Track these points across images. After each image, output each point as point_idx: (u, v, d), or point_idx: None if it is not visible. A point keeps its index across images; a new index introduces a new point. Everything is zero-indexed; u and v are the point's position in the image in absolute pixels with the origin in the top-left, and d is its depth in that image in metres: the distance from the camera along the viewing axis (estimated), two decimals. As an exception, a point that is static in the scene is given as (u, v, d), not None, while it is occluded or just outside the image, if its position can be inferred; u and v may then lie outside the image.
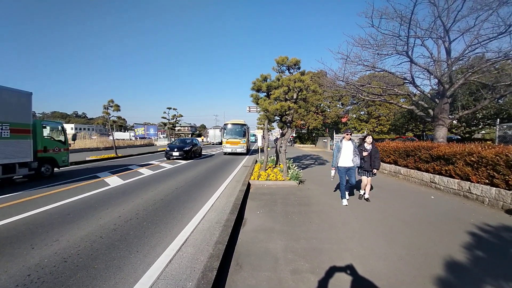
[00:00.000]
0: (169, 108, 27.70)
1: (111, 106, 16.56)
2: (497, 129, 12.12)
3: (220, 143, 36.02)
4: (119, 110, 16.93)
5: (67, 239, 3.75)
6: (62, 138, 9.77)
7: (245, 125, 20.82)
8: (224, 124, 20.93)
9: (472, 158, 6.27)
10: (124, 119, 19.63)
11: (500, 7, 7.98)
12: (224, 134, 20.11)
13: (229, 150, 19.40)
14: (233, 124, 20.45)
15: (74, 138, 12.38)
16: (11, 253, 3.30)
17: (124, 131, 71.24)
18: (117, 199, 6.01)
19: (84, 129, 72.62)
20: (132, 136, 60.80)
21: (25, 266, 2.99)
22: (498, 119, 14.01)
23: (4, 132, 6.92)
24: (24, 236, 3.84)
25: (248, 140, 22.51)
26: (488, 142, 10.07)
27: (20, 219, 4.57)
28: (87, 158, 14.55)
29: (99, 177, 8.85)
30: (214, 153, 21.84)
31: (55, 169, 9.46)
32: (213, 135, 45.10)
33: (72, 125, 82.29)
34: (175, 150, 15.19)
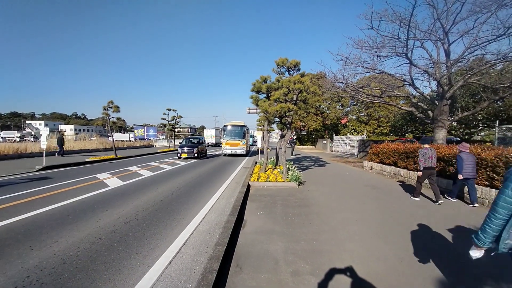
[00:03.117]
0: (169, 110, 27.63)
1: (111, 107, 16.53)
2: (497, 131, 12.16)
3: (216, 144, 35.65)
4: (119, 111, 16.90)
5: (66, 240, 3.74)
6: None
7: (244, 126, 20.73)
8: (224, 126, 20.85)
9: (472, 160, 6.28)
10: (123, 120, 19.64)
11: (499, 10, 8.01)
12: (224, 136, 20.02)
13: (228, 152, 19.32)
14: (232, 125, 20.36)
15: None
16: (10, 254, 3.28)
17: (124, 132, 71.29)
18: (116, 201, 6.00)
19: (84, 130, 72.49)
20: (132, 137, 60.82)
21: (24, 267, 2.97)
22: (498, 121, 14.06)
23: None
24: (23, 237, 3.83)
25: (247, 142, 22.48)
26: (487, 143, 10.09)
27: (19, 220, 4.55)
28: (87, 160, 14.53)
29: (99, 179, 8.84)
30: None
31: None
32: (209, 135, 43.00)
33: (72, 126, 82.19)
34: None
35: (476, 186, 6.08)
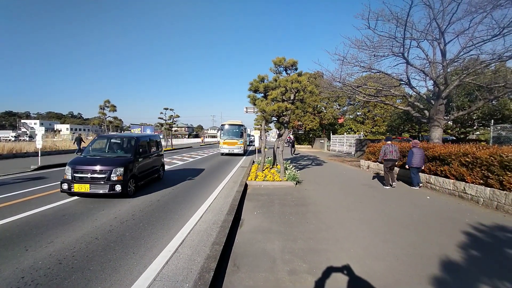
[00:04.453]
0: (166, 109, 27.48)
1: (107, 107, 16.45)
2: (492, 130, 12.27)
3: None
4: (115, 111, 16.85)
5: (62, 240, 3.70)
6: None
7: (242, 125, 20.54)
8: (221, 125, 20.63)
9: (467, 159, 6.35)
10: (120, 120, 19.52)
11: (494, 10, 8.07)
12: (221, 135, 19.82)
13: (226, 151, 19.18)
14: (230, 124, 20.22)
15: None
16: (4, 255, 3.24)
17: (121, 132, 70.87)
18: (113, 200, 5.95)
19: (80, 129, 71.90)
20: (129, 136, 60.18)
21: (19, 268, 2.94)
22: (493, 120, 14.19)
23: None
24: (18, 237, 3.79)
25: (245, 141, 22.36)
26: (482, 143, 10.19)
27: (14, 220, 4.50)
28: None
29: (95, 178, 8.75)
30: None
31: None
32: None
33: (67, 126, 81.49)
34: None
35: (471, 184, 6.15)
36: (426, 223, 4.59)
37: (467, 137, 19.07)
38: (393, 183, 7.80)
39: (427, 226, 4.46)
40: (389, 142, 8.07)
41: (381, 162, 8.00)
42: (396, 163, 8.18)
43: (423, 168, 7.58)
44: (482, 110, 15.74)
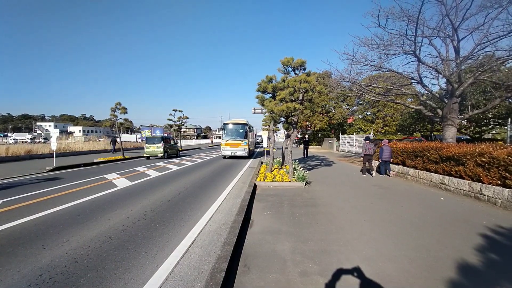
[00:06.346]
0: (175, 110, 27.91)
1: (118, 109, 16.78)
2: (509, 129, 11.85)
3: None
4: (126, 113, 17.16)
5: (77, 239, 3.81)
6: None
7: (247, 124, 18.26)
8: (224, 124, 18.44)
9: (483, 159, 6.15)
10: (131, 122, 19.88)
11: (510, 5, 7.80)
12: (224, 135, 17.80)
13: (228, 153, 17.21)
14: (233, 123, 18.16)
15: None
16: (23, 253, 3.37)
17: (131, 133, 72.25)
18: (125, 201, 6.08)
19: (92, 131, 73.73)
20: (139, 138, 61.52)
21: (37, 266, 3.04)
22: (510, 119, 13.69)
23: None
24: (35, 236, 3.92)
25: (252, 142, 21.49)
26: (499, 142, 9.84)
27: (31, 220, 4.66)
28: (95, 160, 14.78)
29: (107, 179, 8.97)
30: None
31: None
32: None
33: (80, 128, 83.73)
34: None
35: (488, 185, 5.95)
36: (440, 225, 4.47)
37: (483, 137, 18.45)
38: (372, 172, 9.98)
39: (441, 228, 4.34)
40: (367, 141, 10.11)
41: (362, 156, 10.28)
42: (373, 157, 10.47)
43: (391, 160, 9.90)
44: (498, 109, 15.21)
